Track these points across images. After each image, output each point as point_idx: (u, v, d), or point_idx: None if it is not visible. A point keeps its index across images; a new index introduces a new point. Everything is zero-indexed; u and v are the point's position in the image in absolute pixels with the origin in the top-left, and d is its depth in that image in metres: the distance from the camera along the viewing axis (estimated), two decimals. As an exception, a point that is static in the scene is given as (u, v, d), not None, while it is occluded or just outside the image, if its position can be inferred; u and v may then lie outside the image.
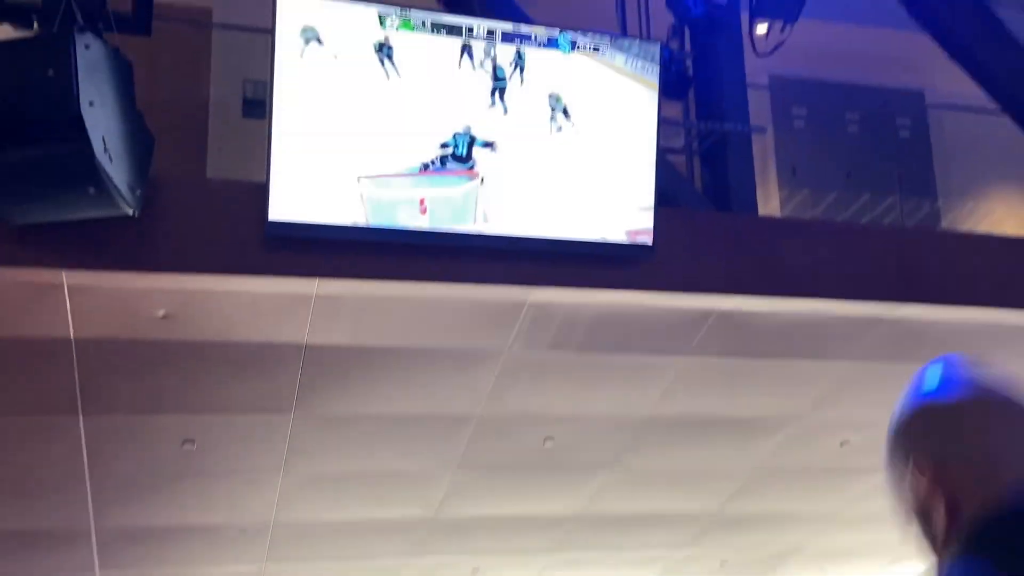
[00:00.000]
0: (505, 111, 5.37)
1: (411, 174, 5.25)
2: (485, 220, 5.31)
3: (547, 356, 5.94)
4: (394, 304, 5.43)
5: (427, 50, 5.27)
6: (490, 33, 5.61)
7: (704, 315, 5.88)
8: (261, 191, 5.02)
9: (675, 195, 6.69)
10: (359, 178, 5.14)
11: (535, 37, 5.68)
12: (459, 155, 5.25)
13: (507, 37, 5.53)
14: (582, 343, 5.87)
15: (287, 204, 5.06)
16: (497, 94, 5.39)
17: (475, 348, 5.81)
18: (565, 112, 5.45)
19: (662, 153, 6.06)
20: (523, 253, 5.35)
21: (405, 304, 5.44)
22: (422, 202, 5.22)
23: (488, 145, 5.30)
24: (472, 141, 5.28)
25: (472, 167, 5.30)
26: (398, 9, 5.21)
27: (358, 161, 5.15)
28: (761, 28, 7.52)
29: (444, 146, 5.26)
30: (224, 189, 5.30)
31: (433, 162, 5.27)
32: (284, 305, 5.26)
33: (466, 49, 5.34)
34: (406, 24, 5.50)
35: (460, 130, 5.27)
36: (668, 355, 6.10)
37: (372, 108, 5.21)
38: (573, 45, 5.82)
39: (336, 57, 5.12)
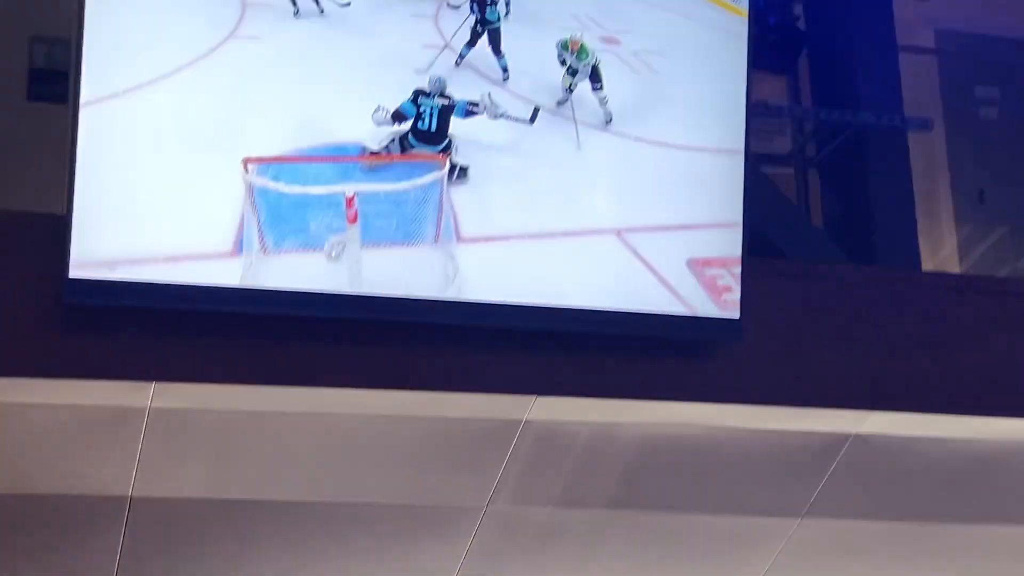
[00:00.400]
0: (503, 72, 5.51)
1: (334, 156, 5.30)
2: (455, 238, 5.34)
3: (554, 515, 5.97)
4: (288, 427, 5.51)
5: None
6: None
7: (832, 443, 5.93)
8: (56, 228, 4.99)
9: (778, 234, 6.46)
10: (245, 163, 5.13)
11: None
12: (424, 128, 5.34)
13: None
14: (616, 495, 5.92)
15: (101, 246, 5.03)
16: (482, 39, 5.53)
17: (435, 504, 5.87)
18: (594, 73, 5.55)
19: (755, 161, 6.00)
20: (517, 335, 5.42)
21: (310, 427, 5.54)
22: (350, 202, 5.20)
23: (471, 113, 5.41)
24: (449, 107, 5.38)
25: (446, 149, 5.37)
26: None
27: (237, 143, 5.18)
28: (922, -47, 7.21)
29: (399, 116, 5.33)
30: None
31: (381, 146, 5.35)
32: (97, 427, 5.28)
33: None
34: None
35: (426, 86, 5.36)
36: (770, 516, 6.13)
37: (262, 58, 5.29)
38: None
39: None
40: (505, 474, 5.75)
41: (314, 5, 5.24)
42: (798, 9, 6.87)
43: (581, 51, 5.49)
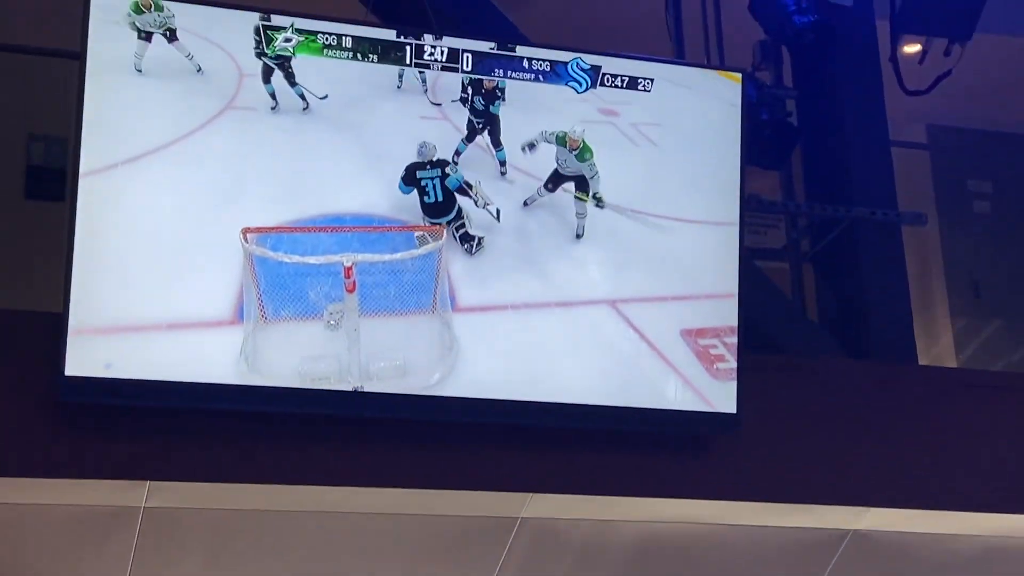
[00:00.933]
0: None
1: (332, 226, 5.26)
2: (452, 308, 5.31)
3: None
4: (284, 525, 5.44)
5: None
6: (452, 57, 5.43)
7: (832, 539, 5.92)
8: (52, 326, 4.95)
9: (774, 329, 6.39)
10: (244, 233, 5.11)
11: (527, 64, 5.52)
12: (432, 202, 5.33)
13: (482, 63, 5.48)
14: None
15: (98, 344, 4.97)
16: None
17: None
18: (584, 191, 5.52)
19: (750, 256, 6.07)
20: (511, 431, 5.38)
21: (306, 525, 5.47)
22: (348, 272, 5.14)
23: (463, 192, 5.40)
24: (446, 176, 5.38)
25: (457, 216, 5.37)
26: (294, 22, 5.29)
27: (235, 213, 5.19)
28: (911, 48, 6.95)
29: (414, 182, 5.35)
30: None
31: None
32: (92, 527, 5.22)
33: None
34: (309, 46, 5.29)
35: (416, 157, 5.39)
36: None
37: (260, 129, 5.33)
38: (593, 76, 5.56)
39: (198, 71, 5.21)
40: (502, 572, 5.66)
41: (299, 100, 5.25)
42: (791, 105, 6.87)
43: (583, 150, 5.46)
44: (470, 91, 5.42)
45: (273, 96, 5.21)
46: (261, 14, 5.22)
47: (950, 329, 8.57)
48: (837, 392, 5.93)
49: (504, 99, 5.45)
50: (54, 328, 4.88)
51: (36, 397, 4.93)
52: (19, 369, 4.97)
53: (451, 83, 5.45)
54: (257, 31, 5.20)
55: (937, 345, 8.55)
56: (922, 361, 7.15)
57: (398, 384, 5.21)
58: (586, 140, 5.46)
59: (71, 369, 4.84)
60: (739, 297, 5.60)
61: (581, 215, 5.48)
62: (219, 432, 5.11)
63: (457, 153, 5.38)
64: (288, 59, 5.23)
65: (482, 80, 5.41)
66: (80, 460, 4.97)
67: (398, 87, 5.37)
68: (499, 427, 5.34)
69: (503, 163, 5.46)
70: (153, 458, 5.04)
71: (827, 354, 6.47)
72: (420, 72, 5.37)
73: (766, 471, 5.64)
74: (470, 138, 5.43)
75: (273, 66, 5.21)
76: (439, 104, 5.41)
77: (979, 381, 6.53)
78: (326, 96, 5.27)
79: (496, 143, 5.46)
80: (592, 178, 5.46)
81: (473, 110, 5.44)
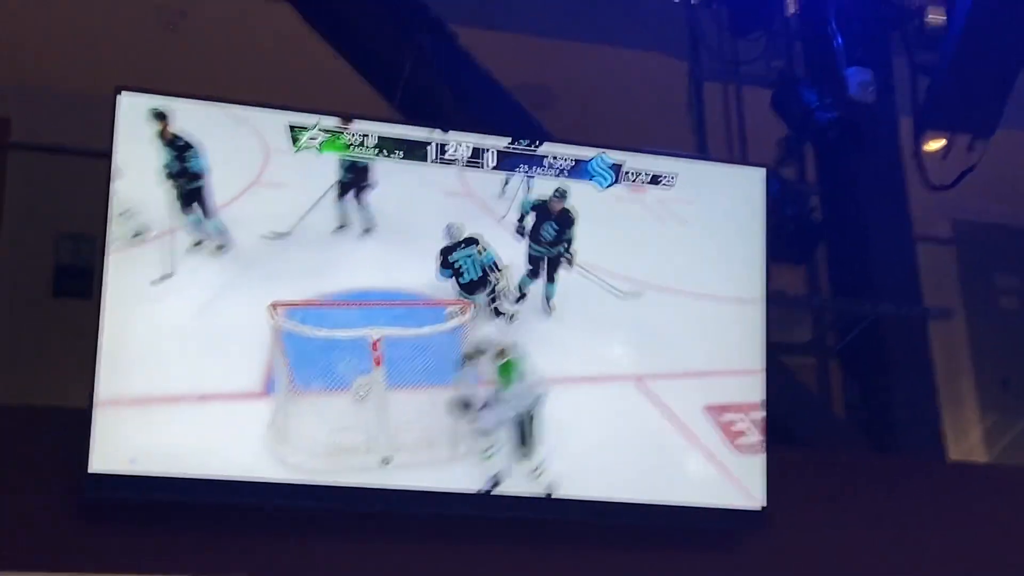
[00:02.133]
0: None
1: (359, 301, 5.26)
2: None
3: None
4: None
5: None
6: (476, 154, 5.44)
7: None
8: (76, 423, 4.90)
9: (801, 424, 6.36)
10: (274, 307, 5.12)
11: (551, 161, 5.49)
12: (468, 281, 5.32)
13: (506, 160, 5.48)
14: None
15: (124, 441, 4.94)
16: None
17: None
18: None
19: (775, 352, 5.93)
20: (540, 525, 5.35)
21: None
22: (375, 346, 5.11)
23: (487, 274, 5.40)
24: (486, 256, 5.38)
25: (491, 293, 5.38)
26: (319, 120, 5.33)
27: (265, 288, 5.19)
28: (935, 144, 6.83)
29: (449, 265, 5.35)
30: (9, 420, 5.20)
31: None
32: None
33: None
34: (334, 143, 5.31)
35: (446, 240, 5.40)
36: None
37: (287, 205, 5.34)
38: (615, 172, 5.57)
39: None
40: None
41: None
42: (814, 200, 6.85)
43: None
44: (534, 216, 5.42)
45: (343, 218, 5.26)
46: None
47: (979, 424, 8.49)
48: (865, 488, 5.89)
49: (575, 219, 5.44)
50: (79, 424, 4.88)
51: (61, 493, 4.94)
52: (45, 465, 5.00)
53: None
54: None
55: (967, 440, 8.47)
56: (952, 457, 7.07)
57: (425, 455, 5.20)
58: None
59: (96, 466, 4.85)
60: (765, 373, 5.59)
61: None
62: (242, 526, 5.08)
63: (522, 295, 5.38)
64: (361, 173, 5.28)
65: (547, 202, 5.41)
66: (104, 555, 4.95)
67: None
68: (527, 522, 5.32)
69: (549, 299, 5.43)
70: (177, 553, 5.01)
71: (854, 449, 6.41)
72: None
73: (793, 566, 5.62)
74: (535, 273, 5.41)
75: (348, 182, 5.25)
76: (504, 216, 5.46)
77: (1010, 477, 6.47)
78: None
79: (552, 277, 5.43)
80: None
81: (539, 239, 5.43)
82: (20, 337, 7.23)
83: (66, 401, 5.27)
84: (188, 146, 5.12)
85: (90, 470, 4.85)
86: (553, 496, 5.28)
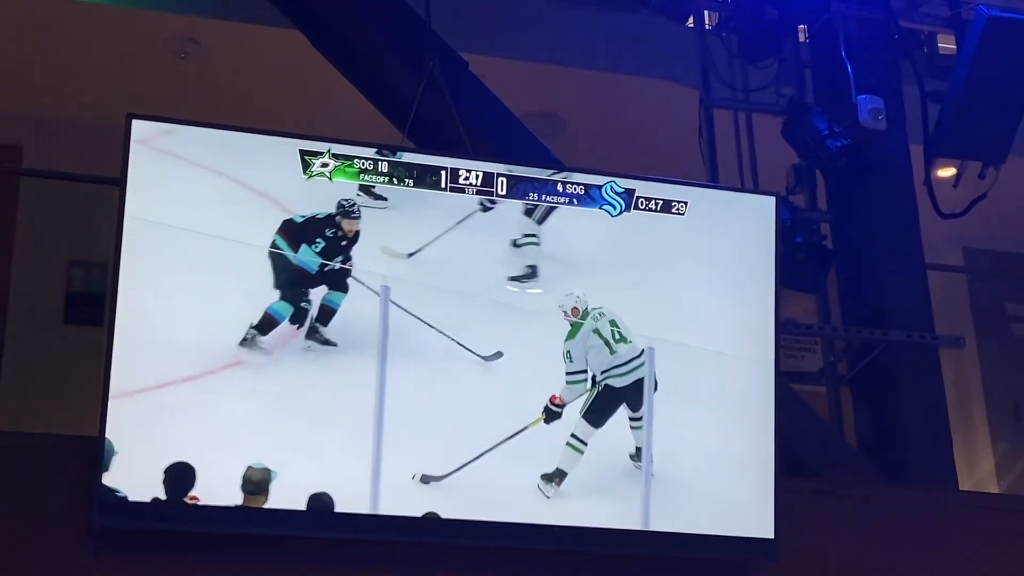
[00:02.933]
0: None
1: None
2: None
3: None
4: None
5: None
6: (487, 181, 5.42)
7: None
8: (87, 450, 4.91)
9: (811, 453, 6.30)
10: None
11: (564, 187, 5.52)
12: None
13: (517, 187, 5.49)
14: None
15: (136, 468, 4.93)
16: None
17: None
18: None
19: (785, 379, 5.91)
20: (546, 556, 5.29)
21: None
22: None
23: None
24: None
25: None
26: (331, 146, 5.31)
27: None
28: (946, 172, 6.99)
29: None
30: (19, 448, 5.19)
31: None
32: None
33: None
34: (345, 170, 5.29)
35: None
36: None
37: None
38: (626, 199, 5.56)
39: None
40: None
41: None
42: (825, 228, 6.87)
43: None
44: None
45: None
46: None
47: (991, 454, 8.50)
48: (876, 517, 5.86)
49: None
50: (90, 453, 4.87)
51: (72, 520, 4.92)
52: (56, 493, 4.97)
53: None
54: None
55: (978, 470, 8.46)
56: (963, 486, 7.06)
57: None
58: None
59: (106, 493, 4.82)
60: (775, 418, 5.57)
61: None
62: (255, 555, 5.06)
63: None
64: None
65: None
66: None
67: None
68: (533, 552, 5.28)
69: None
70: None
71: (865, 479, 6.40)
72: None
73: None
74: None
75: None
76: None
77: (1022, 507, 6.43)
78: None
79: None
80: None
81: None
82: (31, 363, 7.29)
83: (76, 428, 5.28)
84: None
85: (100, 497, 4.83)
86: (555, 524, 5.27)
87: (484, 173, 5.41)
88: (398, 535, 5.11)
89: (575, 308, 5.30)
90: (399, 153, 5.39)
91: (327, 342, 5.12)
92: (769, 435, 5.54)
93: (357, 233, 5.20)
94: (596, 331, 5.32)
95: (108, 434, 4.88)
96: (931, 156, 6.76)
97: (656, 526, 5.36)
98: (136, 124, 5.09)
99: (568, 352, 5.28)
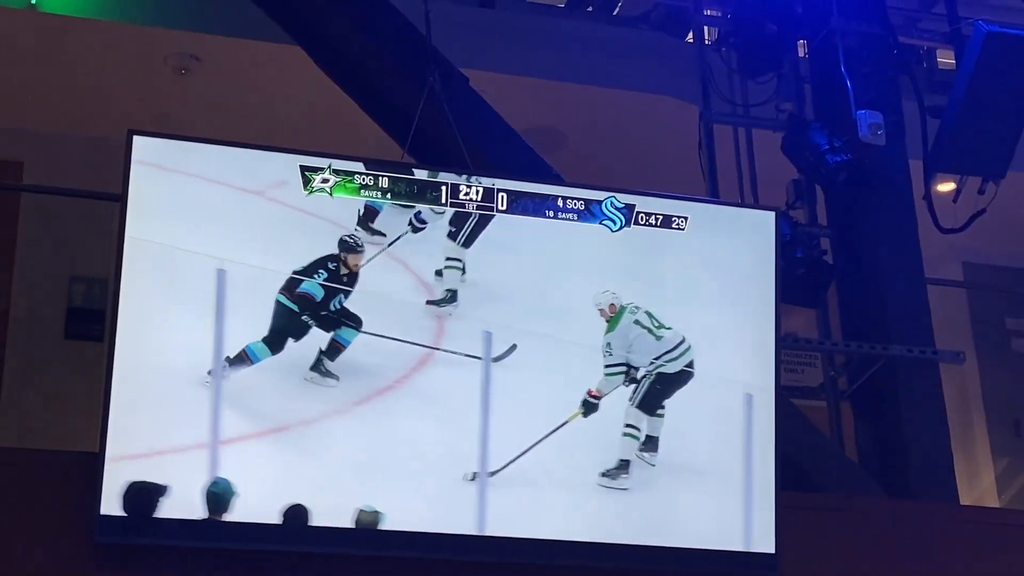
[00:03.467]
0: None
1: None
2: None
3: None
4: None
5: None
6: (487, 197, 5.44)
7: None
8: (87, 465, 4.90)
9: (812, 468, 6.27)
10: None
11: (564, 203, 5.52)
12: None
13: (517, 203, 5.49)
14: None
15: (136, 482, 4.93)
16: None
17: None
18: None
19: (786, 396, 5.93)
20: (551, 571, 5.27)
21: None
22: None
23: None
24: None
25: None
26: (332, 162, 5.31)
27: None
28: (945, 187, 6.98)
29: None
30: (20, 463, 5.16)
31: None
32: None
33: (456, 224, 5.40)
34: (346, 186, 5.30)
35: None
36: None
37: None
38: (627, 214, 5.57)
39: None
40: None
41: None
42: (825, 243, 6.85)
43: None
44: None
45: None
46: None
47: (992, 469, 8.47)
48: (877, 532, 5.84)
49: None
50: (91, 468, 4.86)
51: (73, 535, 4.91)
52: (57, 508, 4.96)
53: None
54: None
55: (979, 484, 8.44)
56: (964, 501, 7.04)
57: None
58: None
59: (107, 508, 4.81)
60: (776, 433, 5.56)
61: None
62: (255, 570, 5.05)
63: None
64: None
65: None
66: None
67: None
68: (534, 568, 5.26)
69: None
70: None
71: (866, 494, 6.37)
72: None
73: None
74: None
75: None
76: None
77: (1023, 522, 6.40)
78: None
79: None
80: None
81: None
82: (32, 379, 7.28)
83: (77, 443, 5.27)
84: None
85: (102, 512, 4.82)
86: (554, 539, 5.26)
87: (485, 188, 5.42)
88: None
89: (612, 305, 5.39)
90: (399, 168, 5.40)
91: (328, 374, 5.12)
92: (770, 450, 5.55)
93: (358, 267, 5.22)
94: (637, 322, 5.39)
95: (109, 448, 4.84)
96: (931, 171, 6.75)
97: (658, 541, 5.35)
98: (137, 140, 5.09)
99: (608, 344, 5.37)
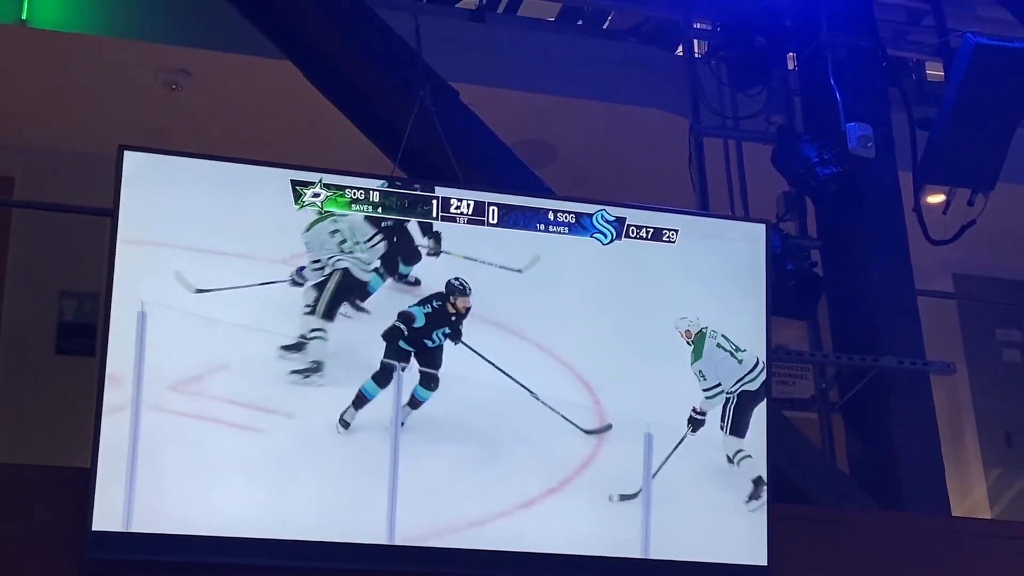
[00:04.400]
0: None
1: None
2: None
3: None
4: None
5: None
6: (478, 210, 5.43)
7: None
8: (79, 480, 4.88)
9: (804, 479, 6.25)
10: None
11: (555, 216, 5.51)
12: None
13: (508, 216, 5.48)
14: None
15: (130, 497, 4.90)
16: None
17: None
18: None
19: (777, 406, 5.93)
20: None
21: None
22: None
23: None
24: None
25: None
26: (322, 176, 5.29)
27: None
28: (935, 199, 6.95)
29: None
30: (11, 479, 5.13)
31: None
32: None
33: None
34: (337, 200, 5.28)
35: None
36: None
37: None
38: (617, 227, 5.56)
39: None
40: None
41: None
42: (815, 255, 6.82)
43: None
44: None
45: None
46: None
47: (983, 480, 8.46)
48: (869, 544, 5.82)
49: None
50: (82, 483, 4.84)
51: (64, 552, 4.88)
52: (48, 524, 4.94)
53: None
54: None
55: (971, 496, 8.43)
56: (955, 512, 7.02)
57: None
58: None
59: (99, 524, 4.80)
60: (767, 445, 5.54)
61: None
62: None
63: None
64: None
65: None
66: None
67: None
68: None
69: None
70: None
71: (858, 505, 6.37)
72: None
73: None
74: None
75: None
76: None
77: (1015, 533, 6.40)
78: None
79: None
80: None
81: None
82: (23, 394, 7.26)
83: (69, 459, 5.26)
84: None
85: (93, 528, 4.80)
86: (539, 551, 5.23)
87: (475, 202, 5.41)
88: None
89: (688, 331, 5.45)
90: (390, 182, 5.38)
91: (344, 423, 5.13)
92: (761, 462, 5.53)
93: (468, 310, 5.26)
94: (719, 346, 5.47)
95: (100, 464, 4.81)
96: (920, 183, 6.75)
97: (655, 554, 5.33)
98: (128, 155, 5.08)
99: (700, 372, 5.44)
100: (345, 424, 5.08)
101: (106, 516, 4.84)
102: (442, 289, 5.27)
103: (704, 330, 5.47)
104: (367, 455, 5.13)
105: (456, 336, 5.24)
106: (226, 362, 5.06)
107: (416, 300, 5.25)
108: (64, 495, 4.97)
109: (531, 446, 5.28)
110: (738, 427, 5.45)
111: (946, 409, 7.90)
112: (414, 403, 5.17)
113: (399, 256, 5.28)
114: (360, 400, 5.11)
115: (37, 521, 4.98)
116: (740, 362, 5.48)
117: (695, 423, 5.42)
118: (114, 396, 4.91)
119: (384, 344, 5.18)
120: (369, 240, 5.25)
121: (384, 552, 5.09)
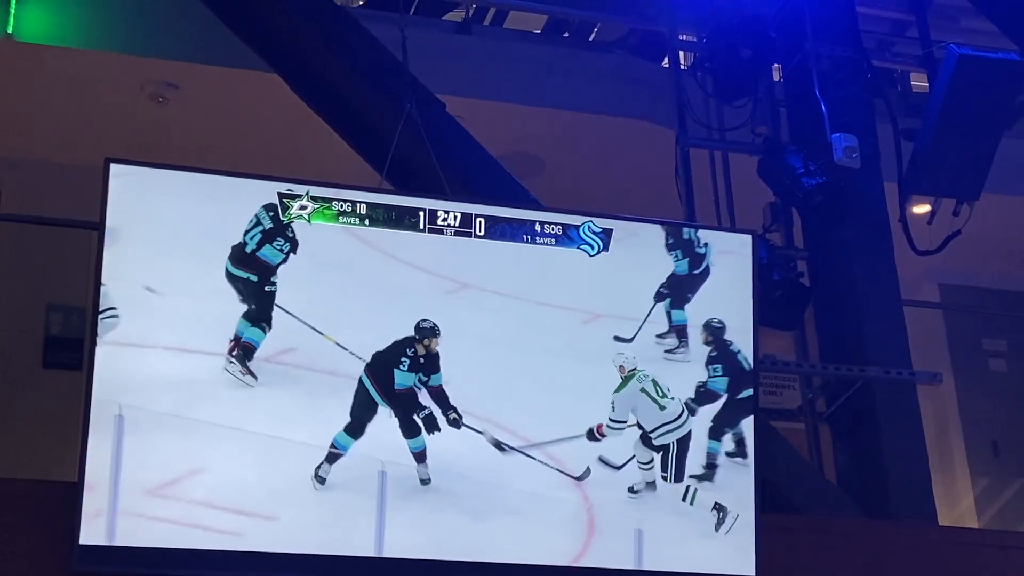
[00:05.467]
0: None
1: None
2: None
3: None
4: None
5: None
6: (465, 222, 5.42)
7: None
8: (66, 494, 4.87)
9: (791, 489, 6.24)
10: None
11: (542, 228, 5.50)
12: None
13: (495, 228, 5.48)
14: None
15: (116, 514, 4.88)
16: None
17: None
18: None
19: (765, 418, 5.93)
20: None
21: None
22: None
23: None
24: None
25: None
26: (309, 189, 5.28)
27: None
28: (920, 209, 6.97)
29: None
30: None
31: None
32: None
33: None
34: (324, 213, 5.28)
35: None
36: None
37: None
38: (603, 239, 5.55)
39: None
40: None
41: None
42: (802, 265, 6.83)
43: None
44: None
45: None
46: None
47: (970, 489, 8.45)
48: (856, 553, 5.82)
49: None
50: (69, 497, 4.83)
51: (52, 565, 4.87)
52: (35, 538, 4.93)
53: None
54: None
55: (958, 505, 8.42)
56: (943, 522, 7.01)
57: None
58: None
59: (86, 538, 4.79)
60: (754, 458, 5.54)
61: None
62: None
63: None
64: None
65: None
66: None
67: None
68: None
69: None
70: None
71: (845, 515, 6.37)
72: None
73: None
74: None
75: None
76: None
77: (1002, 542, 6.40)
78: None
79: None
80: None
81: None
82: (9, 408, 7.23)
83: (56, 473, 5.24)
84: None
85: (80, 542, 4.79)
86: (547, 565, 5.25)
87: (462, 214, 5.41)
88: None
89: (622, 367, 5.42)
90: (377, 195, 5.38)
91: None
92: (749, 472, 5.52)
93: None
94: (643, 391, 5.43)
95: (87, 478, 4.80)
96: (906, 193, 6.76)
97: (648, 565, 5.32)
98: (114, 168, 5.08)
99: (613, 402, 5.40)
100: (321, 480, 5.06)
101: (94, 530, 4.80)
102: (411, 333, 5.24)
103: (635, 372, 5.42)
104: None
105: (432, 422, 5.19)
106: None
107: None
108: (51, 509, 4.94)
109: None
110: (680, 473, 5.41)
111: (933, 419, 7.90)
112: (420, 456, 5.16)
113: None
114: (333, 455, 5.06)
115: (23, 535, 4.96)
116: (662, 408, 5.43)
117: (591, 435, 5.34)
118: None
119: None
120: None
121: (372, 565, 5.08)
